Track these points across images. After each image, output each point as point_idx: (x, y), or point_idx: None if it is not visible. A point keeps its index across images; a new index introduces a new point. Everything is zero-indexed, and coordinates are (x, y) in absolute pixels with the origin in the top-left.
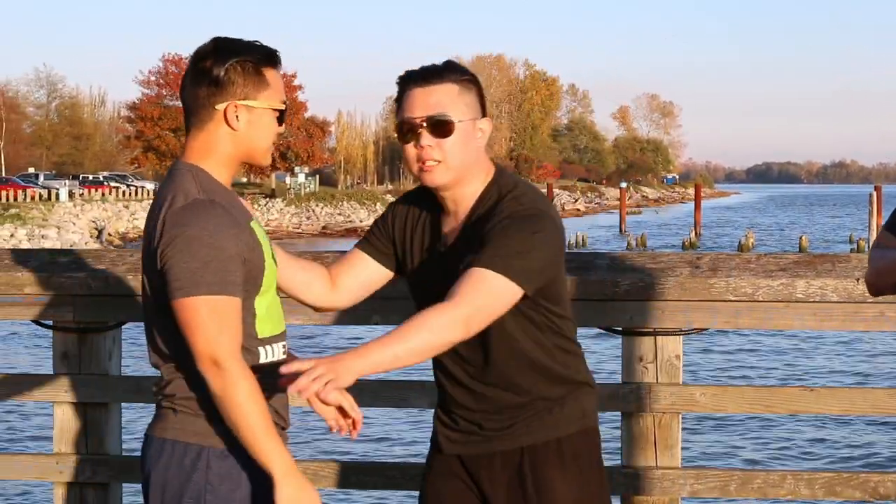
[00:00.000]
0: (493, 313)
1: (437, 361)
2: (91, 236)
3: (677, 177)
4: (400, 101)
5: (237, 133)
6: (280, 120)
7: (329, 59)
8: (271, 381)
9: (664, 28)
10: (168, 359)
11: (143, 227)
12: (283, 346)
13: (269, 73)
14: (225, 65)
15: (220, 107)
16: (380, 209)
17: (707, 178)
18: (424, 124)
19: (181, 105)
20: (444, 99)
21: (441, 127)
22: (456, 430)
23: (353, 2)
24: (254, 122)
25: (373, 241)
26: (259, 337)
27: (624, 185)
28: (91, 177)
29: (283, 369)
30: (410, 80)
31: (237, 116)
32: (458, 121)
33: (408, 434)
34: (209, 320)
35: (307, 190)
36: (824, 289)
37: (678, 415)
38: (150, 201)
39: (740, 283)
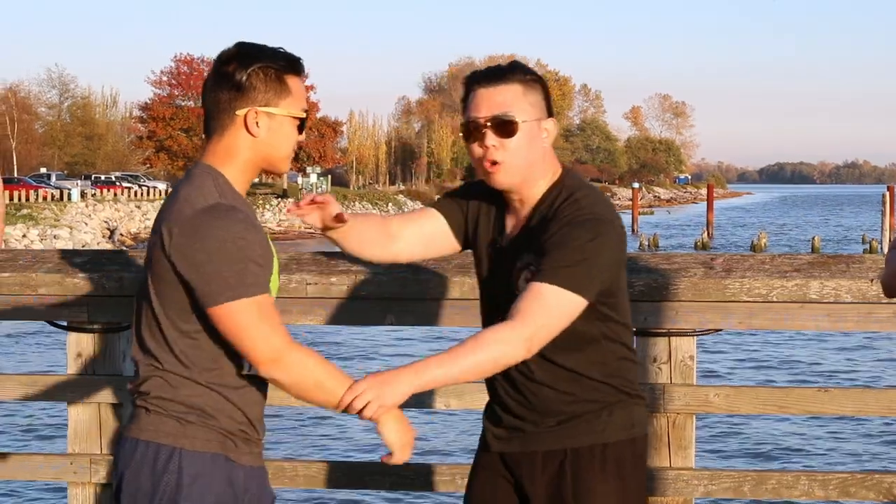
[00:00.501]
0: (556, 329)
1: None
2: (103, 236)
3: (689, 177)
4: (465, 101)
5: (257, 140)
6: (300, 128)
7: (341, 60)
8: (250, 391)
9: (676, 28)
10: (149, 356)
11: None
12: None
13: (292, 81)
14: (247, 70)
15: (241, 112)
16: (392, 209)
17: (719, 178)
18: (489, 124)
19: (202, 107)
20: (508, 99)
21: (505, 127)
22: (501, 427)
23: (365, 1)
24: (274, 129)
25: (445, 205)
26: None
27: (636, 185)
28: (103, 177)
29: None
30: (476, 81)
31: (257, 123)
32: (523, 121)
33: (423, 434)
34: (261, 320)
35: (319, 190)
36: (838, 289)
37: (692, 415)
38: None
39: (754, 283)
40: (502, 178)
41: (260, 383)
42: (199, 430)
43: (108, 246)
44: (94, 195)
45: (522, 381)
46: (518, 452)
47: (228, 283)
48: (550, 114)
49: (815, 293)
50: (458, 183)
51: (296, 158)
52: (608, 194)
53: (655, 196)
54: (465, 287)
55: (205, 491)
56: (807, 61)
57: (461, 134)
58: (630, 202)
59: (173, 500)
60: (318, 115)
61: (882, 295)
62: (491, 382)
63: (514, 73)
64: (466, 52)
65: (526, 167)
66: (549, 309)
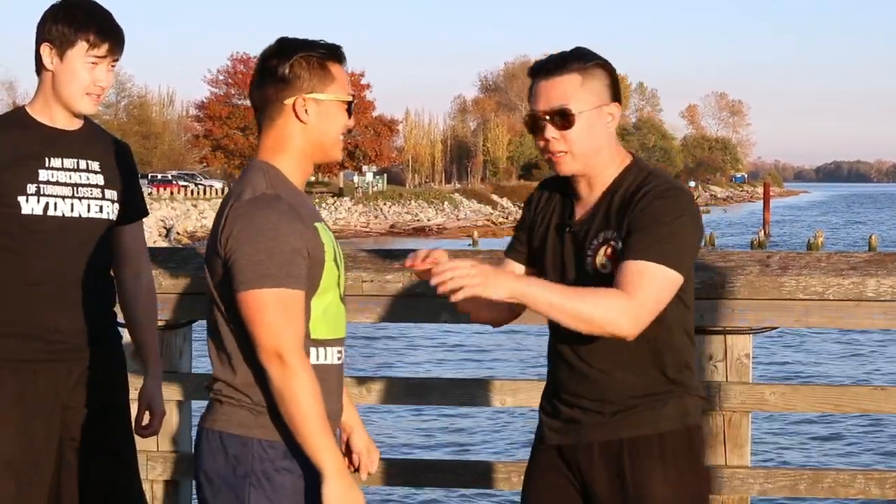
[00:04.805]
0: (661, 307)
1: (555, 340)
2: (160, 235)
3: (746, 175)
4: (529, 92)
5: (307, 126)
6: (349, 112)
7: (397, 58)
8: (321, 384)
9: (734, 26)
10: (220, 351)
11: (211, 226)
12: (339, 352)
13: (334, 68)
14: (290, 61)
15: (289, 101)
16: (447, 208)
17: (776, 176)
18: (547, 118)
19: (251, 107)
20: (566, 91)
21: (563, 119)
22: (558, 419)
23: (421, 1)
24: (322, 115)
25: (517, 245)
26: (312, 337)
27: (692, 183)
28: (160, 175)
29: (441, 264)
30: (536, 73)
31: (306, 110)
32: (580, 112)
33: (477, 432)
34: (274, 313)
35: (375, 189)
36: (895, 288)
37: (748, 414)
38: (219, 200)
39: (811, 281)
40: (566, 167)
41: (332, 373)
42: (272, 419)
43: (165, 244)
44: (150, 194)
45: (579, 362)
46: (574, 444)
47: (251, 272)
48: (616, 98)
49: (871, 291)
50: (513, 182)
51: (351, 157)
52: None
53: (712, 195)
54: None
55: (281, 479)
56: (868, 60)
57: (525, 126)
58: None
59: (249, 487)
60: (374, 114)
61: None
62: (551, 367)
63: (573, 62)
64: (522, 51)
65: (590, 154)
66: (657, 286)
